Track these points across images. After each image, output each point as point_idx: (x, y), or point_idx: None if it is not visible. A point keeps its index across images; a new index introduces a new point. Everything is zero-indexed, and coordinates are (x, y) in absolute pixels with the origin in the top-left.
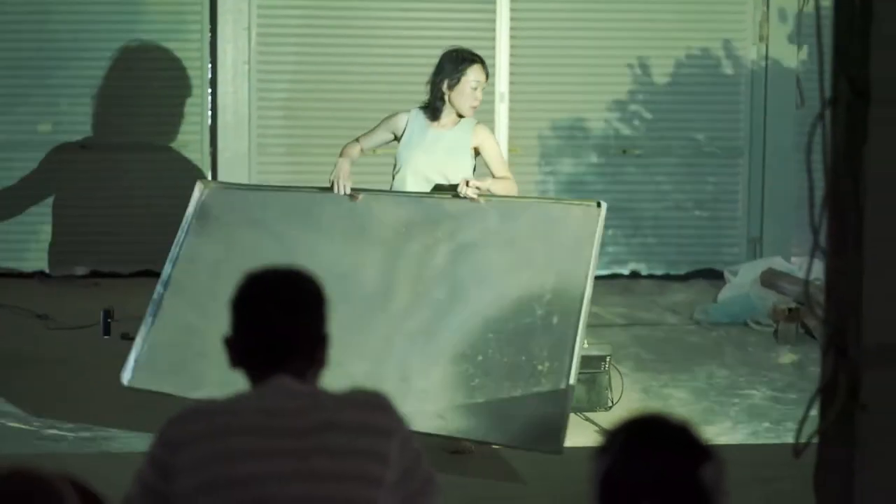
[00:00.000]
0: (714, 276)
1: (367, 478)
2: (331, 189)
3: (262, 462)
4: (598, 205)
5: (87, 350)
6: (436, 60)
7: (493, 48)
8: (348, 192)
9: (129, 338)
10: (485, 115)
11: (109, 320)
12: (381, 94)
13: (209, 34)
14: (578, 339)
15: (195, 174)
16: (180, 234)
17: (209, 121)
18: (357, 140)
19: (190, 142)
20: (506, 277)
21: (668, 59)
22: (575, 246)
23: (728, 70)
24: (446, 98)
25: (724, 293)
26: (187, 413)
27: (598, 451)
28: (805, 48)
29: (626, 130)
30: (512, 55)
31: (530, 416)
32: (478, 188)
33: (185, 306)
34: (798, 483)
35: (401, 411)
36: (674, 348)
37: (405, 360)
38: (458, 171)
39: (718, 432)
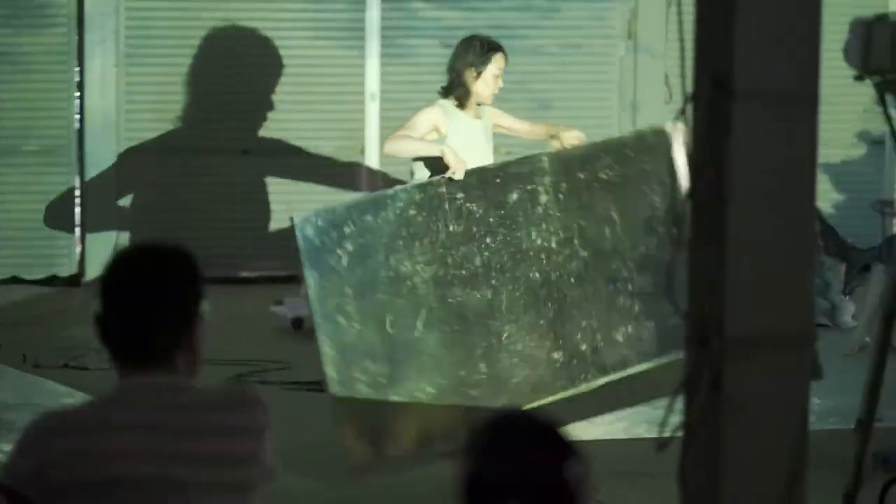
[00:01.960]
0: None
1: (236, 484)
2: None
3: (125, 463)
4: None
5: None
6: (307, 59)
7: (363, 47)
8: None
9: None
10: (355, 115)
11: None
12: (253, 95)
13: (76, 37)
14: None
15: (64, 178)
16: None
17: (76, 124)
18: (405, 135)
19: (57, 146)
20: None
21: (539, 57)
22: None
23: (598, 67)
24: (470, 86)
25: None
26: (53, 412)
27: (464, 452)
28: (673, 43)
29: None
30: (383, 54)
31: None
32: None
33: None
34: (664, 478)
35: (266, 407)
36: None
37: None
38: (491, 157)
39: (588, 427)
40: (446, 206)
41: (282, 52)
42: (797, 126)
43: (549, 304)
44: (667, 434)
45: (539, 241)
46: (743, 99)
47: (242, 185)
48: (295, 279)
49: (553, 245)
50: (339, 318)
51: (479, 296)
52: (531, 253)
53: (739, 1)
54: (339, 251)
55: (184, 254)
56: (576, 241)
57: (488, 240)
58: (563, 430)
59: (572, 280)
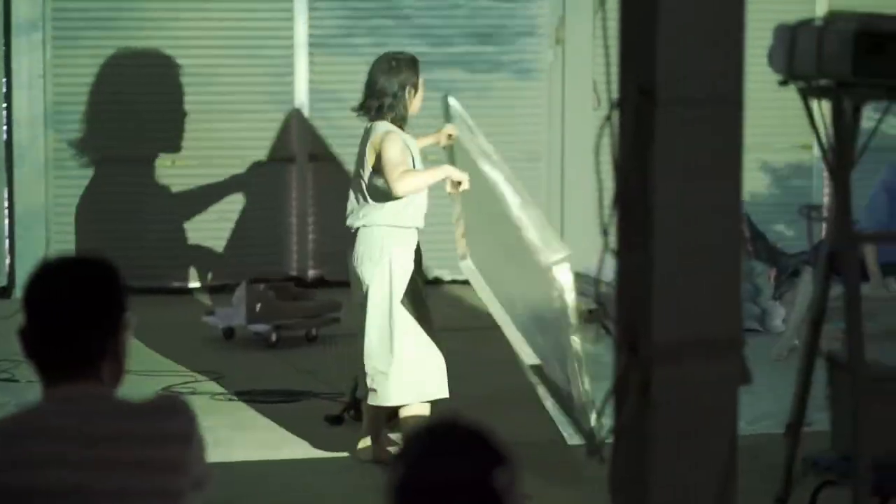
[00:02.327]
0: None
1: (162, 491)
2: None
3: (50, 471)
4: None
5: None
6: (237, 67)
7: (292, 56)
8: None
9: None
10: (285, 123)
11: None
12: (183, 105)
13: (3, 46)
14: None
15: None
16: None
17: (4, 136)
18: (408, 171)
19: None
20: None
21: (462, 66)
22: None
23: (526, 73)
24: (409, 103)
25: None
26: None
27: (394, 459)
28: (601, 50)
29: None
30: (311, 62)
31: None
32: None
33: None
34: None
35: (192, 415)
36: None
37: None
38: None
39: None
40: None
41: (212, 60)
42: (722, 132)
43: None
44: (598, 440)
45: None
46: (668, 105)
47: (173, 195)
48: (226, 288)
49: None
50: None
51: None
52: None
53: (663, 8)
54: None
55: (105, 265)
56: None
57: None
58: (494, 436)
59: None
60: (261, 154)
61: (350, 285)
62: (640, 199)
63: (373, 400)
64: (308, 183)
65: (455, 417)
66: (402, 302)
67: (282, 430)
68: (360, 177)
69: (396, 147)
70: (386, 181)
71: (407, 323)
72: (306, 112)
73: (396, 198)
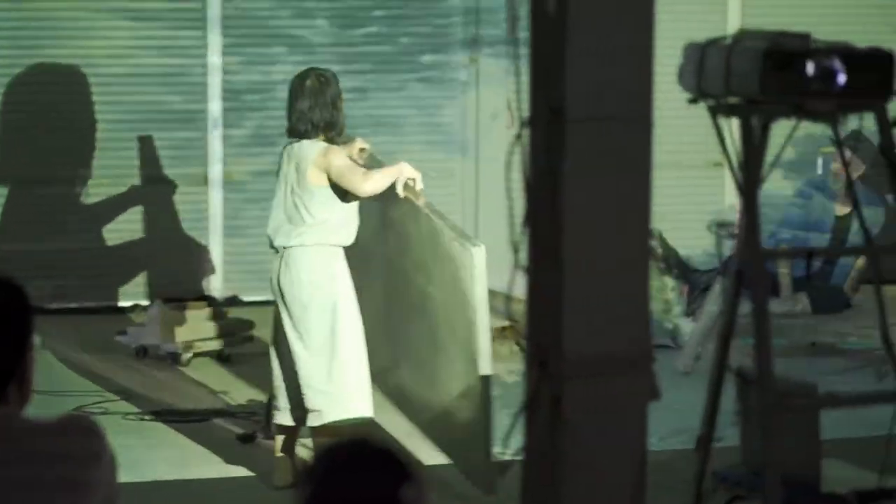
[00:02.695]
0: None
1: None
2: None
3: None
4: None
5: None
6: (150, 85)
7: (205, 74)
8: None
9: None
10: (198, 142)
11: None
12: (93, 123)
13: None
14: None
15: None
16: None
17: None
18: (363, 175)
19: None
20: None
21: (383, 81)
22: None
23: (440, 91)
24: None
25: None
26: None
27: (304, 477)
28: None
29: None
30: (224, 80)
31: None
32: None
33: None
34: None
35: (100, 434)
36: None
37: None
38: None
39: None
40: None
41: (126, 79)
42: (631, 149)
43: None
44: (508, 457)
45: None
46: (577, 123)
47: (84, 214)
48: (138, 307)
49: None
50: None
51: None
52: None
53: (572, 28)
54: None
55: (10, 286)
56: None
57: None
58: (401, 453)
59: None
60: (174, 173)
61: (276, 305)
62: (550, 217)
63: (314, 420)
64: (221, 202)
65: (364, 436)
66: (343, 320)
67: (195, 450)
68: (296, 195)
69: (344, 156)
70: (350, 188)
71: (351, 341)
72: (220, 131)
73: (336, 215)
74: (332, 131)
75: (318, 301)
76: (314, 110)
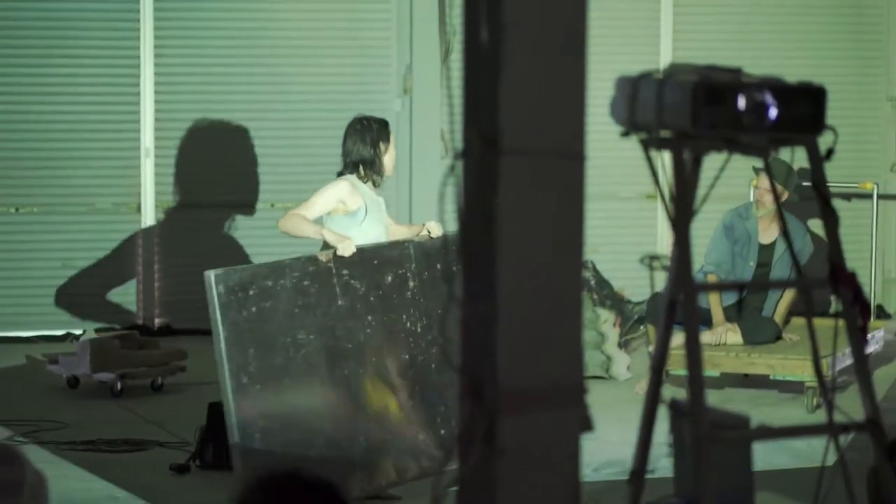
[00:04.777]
0: None
1: None
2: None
3: None
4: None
5: None
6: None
7: (138, 102)
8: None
9: None
10: (130, 171)
11: None
12: (25, 151)
13: None
14: None
15: None
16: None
17: None
18: (300, 215)
19: None
20: None
21: (317, 115)
22: None
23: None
24: (384, 162)
25: None
26: None
27: None
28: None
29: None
30: (157, 109)
31: None
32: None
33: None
34: None
35: (25, 463)
36: None
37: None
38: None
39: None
40: (334, 280)
41: (56, 106)
42: (564, 181)
43: (416, 387)
44: (443, 489)
45: (408, 325)
46: (511, 155)
47: (16, 243)
48: (70, 337)
49: (419, 329)
50: (243, 377)
51: (360, 371)
52: (402, 335)
53: (505, 59)
54: (244, 311)
55: None
56: (435, 328)
57: (369, 317)
58: (333, 484)
59: (433, 365)
60: (106, 202)
61: None
62: (484, 249)
63: None
64: (154, 230)
65: (297, 467)
66: None
67: (128, 480)
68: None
69: (323, 194)
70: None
71: None
72: (152, 159)
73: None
74: (370, 171)
75: None
76: (349, 152)
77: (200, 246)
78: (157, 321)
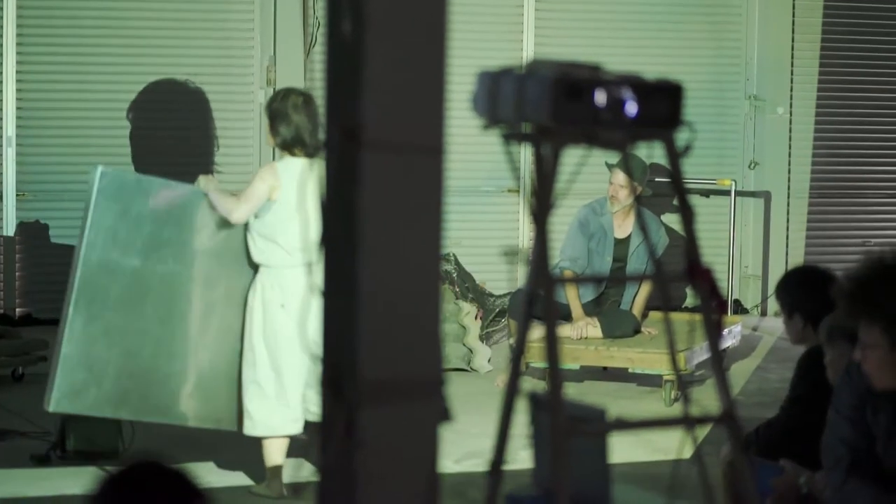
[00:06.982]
0: None
1: None
2: None
3: None
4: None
5: None
6: None
7: (0, 91)
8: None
9: None
10: None
11: None
12: None
13: None
14: None
15: None
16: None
17: None
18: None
19: None
20: None
21: (180, 105)
22: None
23: (239, 114)
24: None
25: None
26: None
27: (92, 499)
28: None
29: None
30: (19, 98)
31: None
32: None
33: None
34: None
35: None
36: None
37: None
38: None
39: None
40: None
41: None
42: (424, 175)
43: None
44: (303, 480)
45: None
46: (371, 148)
47: None
48: None
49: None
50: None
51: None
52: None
53: (366, 52)
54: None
55: None
56: None
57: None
58: (190, 475)
59: None
60: None
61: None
62: (344, 240)
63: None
64: (14, 219)
65: (155, 457)
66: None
67: None
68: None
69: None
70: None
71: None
72: (13, 146)
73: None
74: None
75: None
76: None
77: (61, 235)
78: (17, 310)
